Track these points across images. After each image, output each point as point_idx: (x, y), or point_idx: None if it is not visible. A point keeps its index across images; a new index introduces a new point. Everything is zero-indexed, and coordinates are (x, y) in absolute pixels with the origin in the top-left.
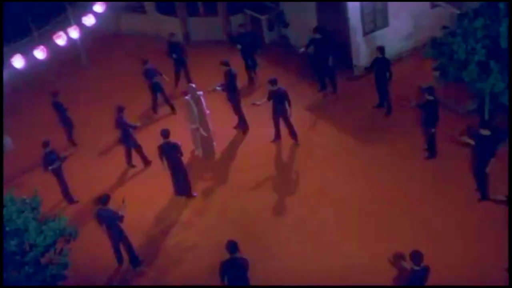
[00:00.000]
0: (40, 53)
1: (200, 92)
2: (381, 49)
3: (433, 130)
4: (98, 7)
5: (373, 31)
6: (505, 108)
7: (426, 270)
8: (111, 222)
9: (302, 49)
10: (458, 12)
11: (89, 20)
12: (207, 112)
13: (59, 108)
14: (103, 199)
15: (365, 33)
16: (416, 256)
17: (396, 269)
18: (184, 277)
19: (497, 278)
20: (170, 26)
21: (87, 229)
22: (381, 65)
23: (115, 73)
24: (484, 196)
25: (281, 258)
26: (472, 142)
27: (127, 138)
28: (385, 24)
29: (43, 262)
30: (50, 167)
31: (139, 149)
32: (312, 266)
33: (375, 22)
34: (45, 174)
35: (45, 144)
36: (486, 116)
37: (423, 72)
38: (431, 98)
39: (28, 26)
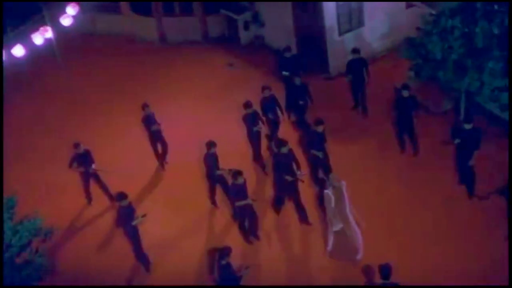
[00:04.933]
0: (17, 51)
1: (343, 182)
2: (356, 50)
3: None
4: (71, 10)
5: (349, 31)
6: (480, 108)
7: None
8: (124, 222)
9: (288, 54)
10: (433, 12)
11: (66, 20)
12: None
13: (147, 123)
14: (118, 197)
15: (341, 33)
16: (384, 270)
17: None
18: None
19: (481, 278)
20: (145, 26)
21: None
22: (358, 66)
23: (90, 73)
24: (472, 192)
25: (268, 259)
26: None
27: (212, 175)
28: (361, 24)
29: (19, 262)
30: (74, 166)
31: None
32: (294, 268)
33: (351, 22)
34: (24, 175)
35: (75, 145)
36: (462, 116)
37: (399, 71)
38: (407, 94)
39: (4, 26)
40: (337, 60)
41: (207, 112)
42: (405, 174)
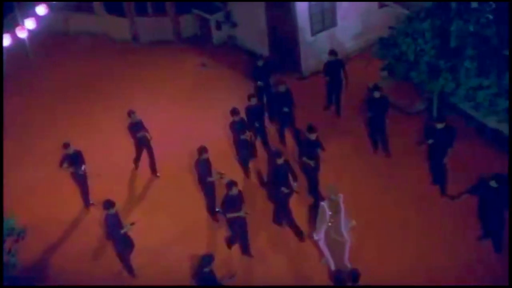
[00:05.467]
0: None
1: (340, 195)
2: (333, 52)
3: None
4: (41, 9)
5: (321, 30)
6: (454, 108)
7: None
8: (113, 231)
9: (261, 62)
10: (406, 12)
11: (29, 23)
12: (353, 222)
13: (134, 130)
14: (105, 205)
15: (314, 33)
16: (353, 275)
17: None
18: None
19: (453, 278)
20: (119, 26)
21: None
22: (335, 68)
23: (63, 73)
24: (444, 191)
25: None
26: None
27: (204, 182)
28: (333, 23)
29: None
30: (64, 166)
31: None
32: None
33: (324, 22)
34: None
35: (65, 145)
36: (435, 116)
37: (372, 71)
38: (378, 95)
39: None
40: (309, 60)
41: (181, 112)
42: (378, 174)
